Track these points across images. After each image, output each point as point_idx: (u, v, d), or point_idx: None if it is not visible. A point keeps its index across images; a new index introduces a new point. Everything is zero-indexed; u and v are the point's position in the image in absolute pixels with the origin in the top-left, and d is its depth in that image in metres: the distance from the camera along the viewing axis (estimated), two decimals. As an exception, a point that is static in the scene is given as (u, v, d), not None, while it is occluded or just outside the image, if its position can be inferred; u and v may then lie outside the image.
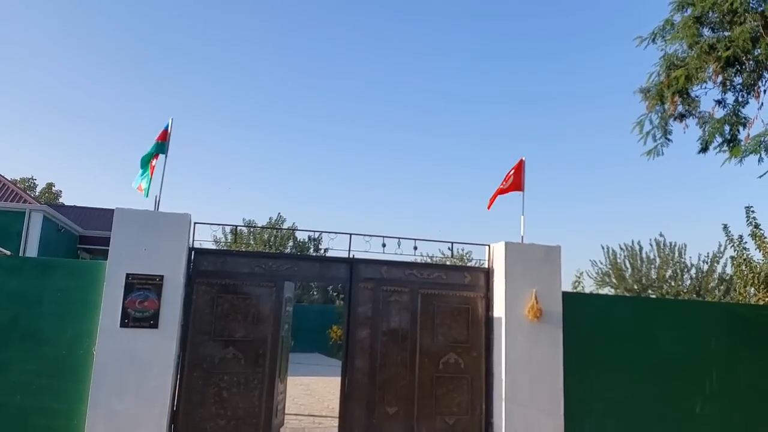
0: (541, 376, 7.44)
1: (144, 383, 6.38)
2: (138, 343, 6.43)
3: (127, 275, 6.51)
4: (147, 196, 7.17)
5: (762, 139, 7.06)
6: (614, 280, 23.02)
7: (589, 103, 54.66)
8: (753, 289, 13.20)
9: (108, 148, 69.11)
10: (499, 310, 7.65)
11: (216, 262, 7.25)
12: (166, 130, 7.34)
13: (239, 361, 7.02)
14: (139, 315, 6.47)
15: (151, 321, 6.49)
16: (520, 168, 8.23)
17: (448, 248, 9.11)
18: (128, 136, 65.27)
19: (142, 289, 6.51)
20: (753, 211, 12.77)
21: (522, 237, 7.96)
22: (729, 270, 18.46)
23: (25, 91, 66.40)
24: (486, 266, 8.07)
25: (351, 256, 7.65)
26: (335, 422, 7.58)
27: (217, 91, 61.12)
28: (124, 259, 6.56)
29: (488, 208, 8.35)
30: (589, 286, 23.52)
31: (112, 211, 6.74)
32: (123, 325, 6.40)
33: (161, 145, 7.25)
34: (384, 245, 7.63)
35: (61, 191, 48.64)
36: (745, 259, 13.32)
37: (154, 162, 7.24)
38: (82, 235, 26.35)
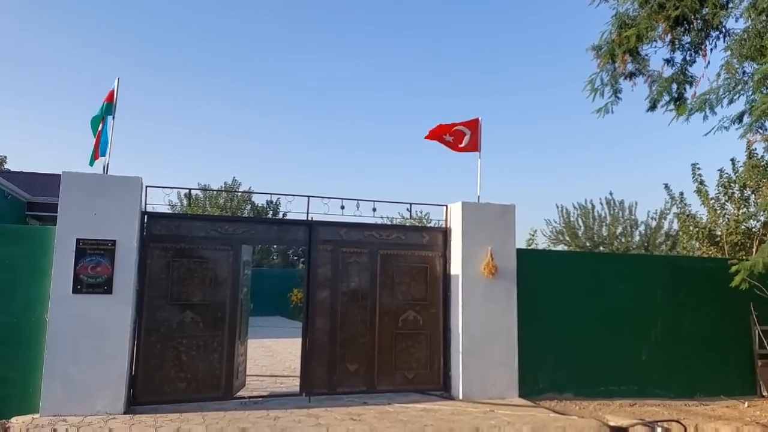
0: (496, 330, 7.69)
1: (100, 349, 6.31)
2: (92, 309, 6.33)
3: (78, 240, 6.36)
4: (92, 164, 6.99)
5: (707, 97, 7.29)
6: (567, 238, 23.63)
7: (541, 57, 54.98)
8: (697, 243, 13.84)
9: (54, 111, 66.24)
10: (456, 267, 7.81)
11: (170, 226, 7.14)
12: (113, 90, 7.08)
13: (198, 325, 7.00)
14: (92, 281, 6.35)
15: (104, 287, 6.38)
16: (476, 128, 8.28)
17: (407, 209, 9.19)
18: (75, 98, 62.62)
19: (94, 255, 6.38)
20: (699, 168, 13.39)
21: (478, 197, 8.10)
22: (675, 226, 19.18)
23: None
24: (444, 226, 8.19)
25: (309, 218, 7.64)
26: (297, 381, 7.67)
27: (166, 59, 58.98)
28: (74, 224, 6.40)
29: (426, 137, 8.24)
30: (542, 244, 24.10)
31: (60, 176, 6.51)
32: (75, 291, 6.29)
33: (109, 107, 7.01)
34: (343, 207, 7.65)
35: (5, 157, 46.51)
36: (688, 215, 13.94)
37: (100, 127, 7.01)
38: (30, 202, 25.38)
